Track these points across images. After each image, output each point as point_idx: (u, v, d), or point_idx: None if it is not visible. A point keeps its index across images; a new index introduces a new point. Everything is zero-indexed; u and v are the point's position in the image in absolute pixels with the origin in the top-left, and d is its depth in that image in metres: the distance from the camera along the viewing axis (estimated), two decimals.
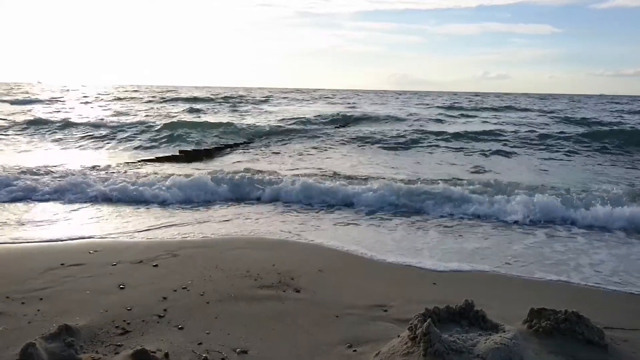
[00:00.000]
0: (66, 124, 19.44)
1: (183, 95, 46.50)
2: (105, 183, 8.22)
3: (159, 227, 6.16)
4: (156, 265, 4.55)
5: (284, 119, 23.91)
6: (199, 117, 24.68)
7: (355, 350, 3.02)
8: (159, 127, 18.54)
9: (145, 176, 9.10)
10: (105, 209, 7.16)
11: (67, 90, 57.30)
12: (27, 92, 50.43)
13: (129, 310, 3.54)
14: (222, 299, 3.80)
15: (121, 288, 3.99)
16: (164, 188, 8.06)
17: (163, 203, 7.63)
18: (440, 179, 8.99)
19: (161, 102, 37.13)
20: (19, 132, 18.06)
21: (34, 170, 9.49)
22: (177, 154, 13.03)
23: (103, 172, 9.68)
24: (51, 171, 9.50)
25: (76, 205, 7.33)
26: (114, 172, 9.75)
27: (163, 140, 16.71)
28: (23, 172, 9.10)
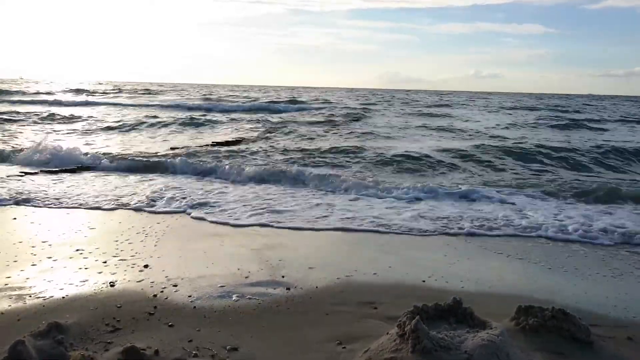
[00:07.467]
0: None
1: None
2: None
3: None
4: None
5: None
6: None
7: (344, 347, 3.04)
8: None
9: None
10: None
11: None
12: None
13: (119, 307, 3.54)
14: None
15: (111, 285, 3.99)
16: None
17: None
18: None
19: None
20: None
21: None
22: None
23: None
24: None
25: None
26: None
27: None
28: None
